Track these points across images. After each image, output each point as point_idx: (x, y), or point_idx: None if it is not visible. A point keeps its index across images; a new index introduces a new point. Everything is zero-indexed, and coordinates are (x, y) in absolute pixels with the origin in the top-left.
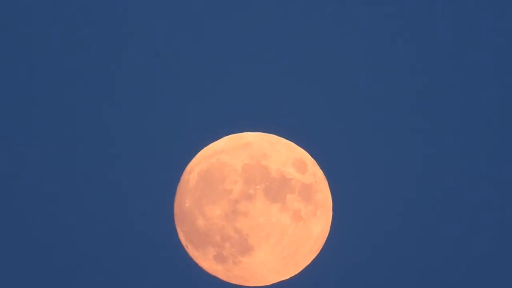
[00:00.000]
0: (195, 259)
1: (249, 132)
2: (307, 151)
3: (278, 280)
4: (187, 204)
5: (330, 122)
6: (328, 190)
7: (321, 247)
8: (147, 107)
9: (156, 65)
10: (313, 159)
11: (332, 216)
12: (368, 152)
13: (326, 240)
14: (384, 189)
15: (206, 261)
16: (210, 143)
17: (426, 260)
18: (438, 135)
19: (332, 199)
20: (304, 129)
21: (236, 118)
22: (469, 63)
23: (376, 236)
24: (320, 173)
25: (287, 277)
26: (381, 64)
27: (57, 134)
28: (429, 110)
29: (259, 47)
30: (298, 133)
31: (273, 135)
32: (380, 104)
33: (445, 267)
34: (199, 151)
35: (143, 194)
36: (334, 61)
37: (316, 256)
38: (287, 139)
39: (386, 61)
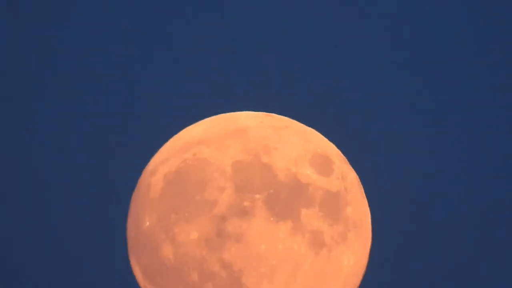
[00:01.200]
0: None
1: (243, 112)
2: (334, 143)
3: None
4: (148, 224)
5: (369, 101)
6: (365, 201)
7: None
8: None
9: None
10: (342, 155)
11: (372, 240)
12: (423, 146)
13: (363, 277)
14: (451, 199)
15: None
16: (183, 128)
17: None
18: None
19: (372, 215)
20: (330, 110)
21: (224, 90)
22: None
23: (437, 270)
24: (352, 175)
25: None
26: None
27: None
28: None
29: None
30: (320, 115)
31: (281, 117)
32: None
33: None
34: (166, 140)
35: (77, 206)
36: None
37: None
38: (304, 123)
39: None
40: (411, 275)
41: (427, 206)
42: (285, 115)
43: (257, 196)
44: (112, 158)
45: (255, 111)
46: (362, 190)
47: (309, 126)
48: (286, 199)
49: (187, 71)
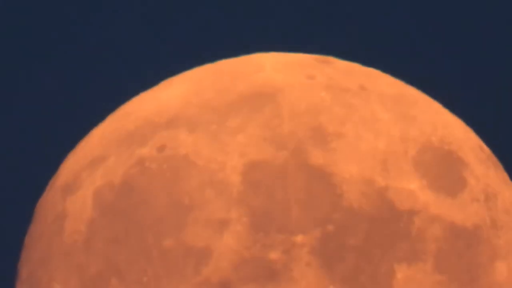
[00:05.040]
0: None
1: (267, 54)
2: (467, 121)
3: None
4: None
5: None
6: None
7: None
8: None
9: None
10: (485, 148)
11: None
12: None
13: None
14: None
15: None
16: (135, 92)
17: None
18: None
19: None
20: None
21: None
22: None
23: None
24: (508, 194)
25: None
26: None
27: None
28: None
29: None
30: (432, 62)
31: (349, 66)
32: None
33: None
34: (98, 118)
35: None
36: None
37: None
38: (398, 78)
39: None
40: None
41: None
42: (356, 61)
43: (298, 238)
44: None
45: (289, 51)
46: None
47: (410, 83)
48: (363, 246)
49: None
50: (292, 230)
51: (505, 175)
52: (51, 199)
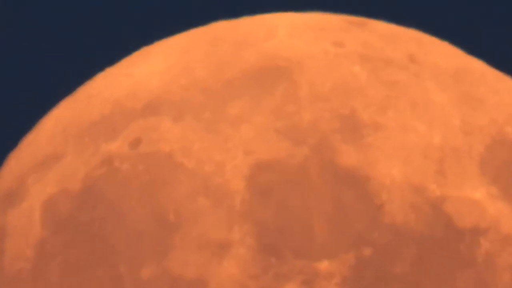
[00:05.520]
0: None
1: (281, 14)
2: None
3: None
4: None
5: None
6: None
7: None
8: None
9: None
10: None
11: None
12: None
13: None
14: None
15: None
16: (104, 64)
17: None
18: None
19: None
20: None
21: None
22: None
23: None
24: None
25: None
26: None
27: None
28: None
29: None
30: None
31: (394, 30)
32: None
33: None
34: (47, 101)
35: None
36: None
37: None
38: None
39: None
40: None
41: None
42: (402, 23)
43: (323, 265)
44: None
45: (310, 10)
46: None
47: (474, 54)
48: (411, 277)
49: None
50: (315, 254)
51: None
52: None
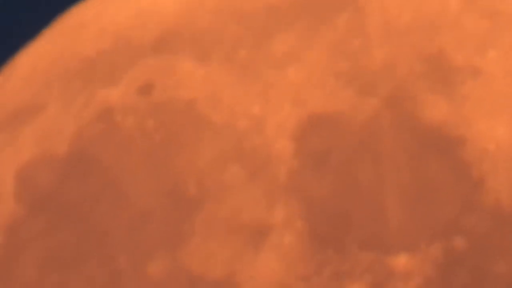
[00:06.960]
0: None
1: None
2: None
3: None
4: None
5: None
6: None
7: None
8: None
9: None
10: None
11: None
12: None
13: None
14: None
15: None
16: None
17: None
18: None
19: None
20: None
21: None
22: None
23: None
24: None
25: None
26: None
27: None
28: None
29: None
30: None
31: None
32: None
33: None
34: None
35: None
36: None
37: None
38: None
39: None
40: None
41: None
42: None
43: (400, 260)
44: None
45: None
46: None
47: None
48: None
49: None
50: (388, 245)
51: None
52: None
